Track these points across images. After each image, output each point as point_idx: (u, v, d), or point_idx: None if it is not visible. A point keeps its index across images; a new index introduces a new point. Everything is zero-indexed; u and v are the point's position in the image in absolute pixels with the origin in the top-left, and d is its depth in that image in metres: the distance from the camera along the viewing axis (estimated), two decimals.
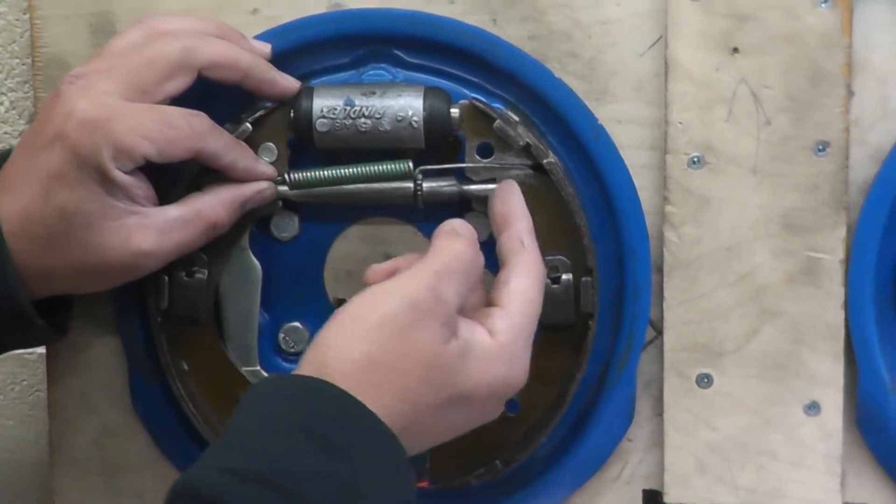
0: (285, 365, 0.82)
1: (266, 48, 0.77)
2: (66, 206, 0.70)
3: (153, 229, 0.72)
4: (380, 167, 0.76)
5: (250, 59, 0.74)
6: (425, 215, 0.79)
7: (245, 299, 0.80)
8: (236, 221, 0.77)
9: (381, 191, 0.78)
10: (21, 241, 0.71)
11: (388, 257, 0.80)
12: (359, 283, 0.73)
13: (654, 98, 0.78)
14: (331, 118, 0.76)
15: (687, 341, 0.79)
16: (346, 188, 0.77)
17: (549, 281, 0.77)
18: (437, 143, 0.77)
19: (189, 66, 0.72)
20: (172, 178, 0.76)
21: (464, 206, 0.79)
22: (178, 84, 0.72)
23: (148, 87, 0.71)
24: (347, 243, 0.81)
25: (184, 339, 0.80)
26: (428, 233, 0.79)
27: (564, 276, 0.78)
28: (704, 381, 0.79)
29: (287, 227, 0.81)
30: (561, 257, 0.78)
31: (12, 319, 0.72)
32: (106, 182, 0.70)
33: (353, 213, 0.81)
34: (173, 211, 0.73)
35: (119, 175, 0.70)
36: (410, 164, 0.76)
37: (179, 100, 0.74)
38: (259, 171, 0.76)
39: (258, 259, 0.80)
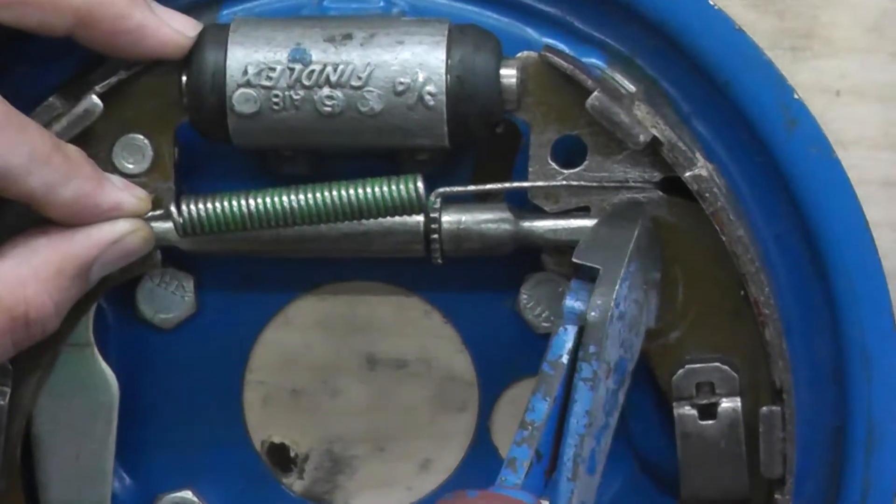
0: None
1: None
2: None
3: None
4: (355, 191, 0.58)
5: None
6: (446, 277, 0.61)
7: (85, 445, 0.61)
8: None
9: (361, 234, 0.59)
10: None
11: (372, 362, 0.61)
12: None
13: None
14: (264, 87, 0.56)
15: None
16: (290, 230, 0.58)
17: (695, 412, 0.58)
18: (473, 136, 0.57)
19: None
20: None
21: (527, 261, 0.60)
22: None
23: None
24: (292, 333, 0.62)
25: None
26: (450, 310, 0.60)
27: (726, 403, 0.57)
28: None
29: (171, 303, 0.62)
30: (719, 365, 0.57)
31: None
32: None
33: (303, 273, 0.62)
34: None
35: None
36: (420, 185, 0.56)
37: None
38: (109, 202, 0.59)
39: (113, 366, 0.60)
